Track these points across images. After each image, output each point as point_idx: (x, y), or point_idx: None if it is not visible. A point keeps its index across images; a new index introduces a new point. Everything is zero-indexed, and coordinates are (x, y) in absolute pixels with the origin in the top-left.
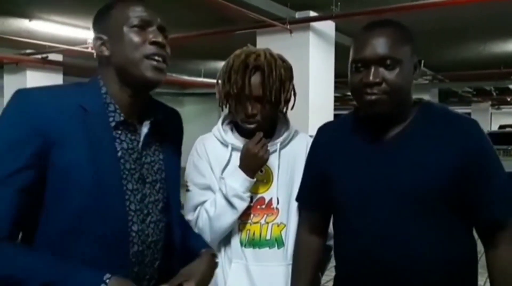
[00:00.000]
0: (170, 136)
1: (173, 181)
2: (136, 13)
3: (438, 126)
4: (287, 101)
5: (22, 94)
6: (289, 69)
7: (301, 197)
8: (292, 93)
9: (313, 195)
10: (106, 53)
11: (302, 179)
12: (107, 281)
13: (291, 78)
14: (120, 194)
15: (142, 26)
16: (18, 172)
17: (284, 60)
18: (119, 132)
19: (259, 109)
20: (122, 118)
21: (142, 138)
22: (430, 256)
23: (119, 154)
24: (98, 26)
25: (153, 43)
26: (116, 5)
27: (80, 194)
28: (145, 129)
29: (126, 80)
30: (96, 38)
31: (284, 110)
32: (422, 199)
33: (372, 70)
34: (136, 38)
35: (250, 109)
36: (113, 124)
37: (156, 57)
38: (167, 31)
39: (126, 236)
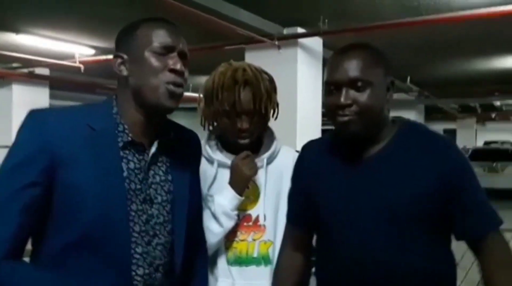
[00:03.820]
0: (183, 157)
1: (180, 203)
2: (160, 38)
3: (415, 146)
4: (274, 112)
5: (32, 115)
6: (272, 81)
7: (288, 214)
8: (276, 104)
9: (298, 212)
10: (125, 73)
11: (289, 196)
12: None
13: (275, 89)
14: (123, 215)
15: (164, 53)
16: (25, 188)
17: (266, 72)
18: (127, 152)
19: (250, 123)
20: (129, 138)
21: (149, 158)
22: (410, 272)
23: (125, 174)
24: (120, 44)
25: (172, 70)
26: (140, 26)
27: (85, 214)
28: (153, 149)
29: (141, 103)
30: (116, 56)
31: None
32: (400, 218)
33: (343, 92)
34: (156, 63)
35: (243, 124)
36: (120, 144)
37: (173, 86)
38: (188, 56)
39: (129, 258)
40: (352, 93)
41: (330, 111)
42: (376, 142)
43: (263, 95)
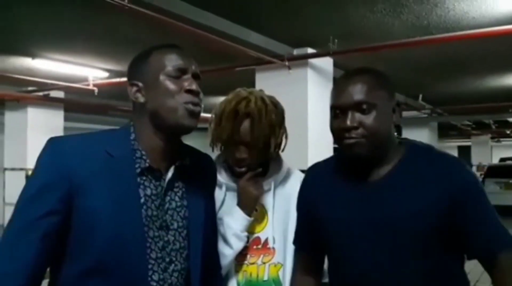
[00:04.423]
0: (198, 182)
1: (195, 229)
2: (172, 61)
3: (423, 169)
4: (277, 145)
5: (52, 142)
6: (280, 114)
7: (295, 239)
8: (284, 136)
9: (305, 237)
10: (141, 99)
11: (296, 221)
12: None
13: (282, 122)
14: (140, 242)
15: (178, 76)
16: (44, 216)
17: (275, 104)
18: (144, 178)
19: (248, 154)
20: (147, 165)
21: (166, 184)
22: None
23: (142, 200)
24: (133, 72)
25: (188, 91)
26: (152, 53)
27: (101, 240)
28: (169, 174)
29: (160, 126)
30: (131, 85)
31: (276, 150)
32: (406, 241)
33: (349, 115)
34: (171, 86)
35: (241, 154)
36: (138, 170)
37: (191, 105)
38: (201, 77)
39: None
40: (358, 115)
41: (336, 135)
42: (382, 164)
43: (263, 130)
